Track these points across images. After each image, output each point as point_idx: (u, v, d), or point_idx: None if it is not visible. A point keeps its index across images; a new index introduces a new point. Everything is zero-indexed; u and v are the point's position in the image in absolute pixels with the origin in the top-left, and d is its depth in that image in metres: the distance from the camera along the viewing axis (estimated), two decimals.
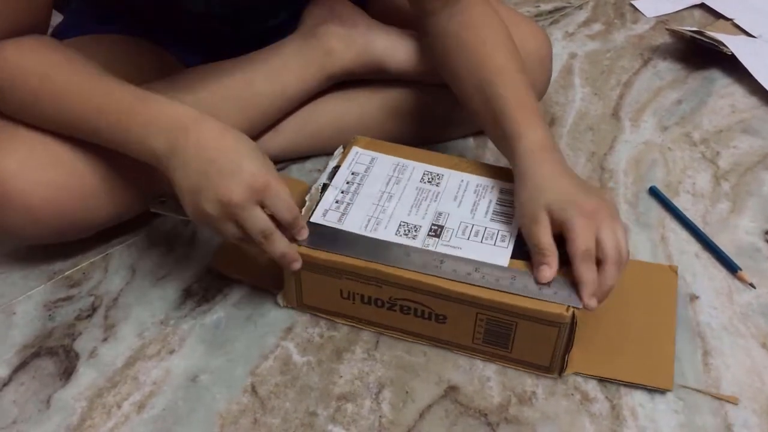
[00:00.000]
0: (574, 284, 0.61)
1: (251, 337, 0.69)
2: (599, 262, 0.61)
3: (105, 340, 0.69)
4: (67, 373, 0.67)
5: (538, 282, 0.61)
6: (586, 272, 0.60)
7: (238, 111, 0.79)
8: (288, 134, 0.85)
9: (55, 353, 0.68)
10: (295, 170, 0.87)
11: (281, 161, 0.87)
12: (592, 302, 0.60)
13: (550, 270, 0.61)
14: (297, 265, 0.65)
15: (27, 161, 0.66)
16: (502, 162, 0.72)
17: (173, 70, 0.81)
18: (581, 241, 0.60)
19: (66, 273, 0.75)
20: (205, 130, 0.62)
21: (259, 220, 0.61)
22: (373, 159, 0.75)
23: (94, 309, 0.72)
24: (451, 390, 0.65)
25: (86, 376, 0.66)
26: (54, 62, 0.66)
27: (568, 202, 0.61)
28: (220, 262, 0.75)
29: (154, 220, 0.80)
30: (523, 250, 0.65)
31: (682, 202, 0.84)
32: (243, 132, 0.81)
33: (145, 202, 0.70)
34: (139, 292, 0.73)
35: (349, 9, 0.85)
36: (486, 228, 0.67)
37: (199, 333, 0.70)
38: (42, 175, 0.67)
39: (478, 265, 0.63)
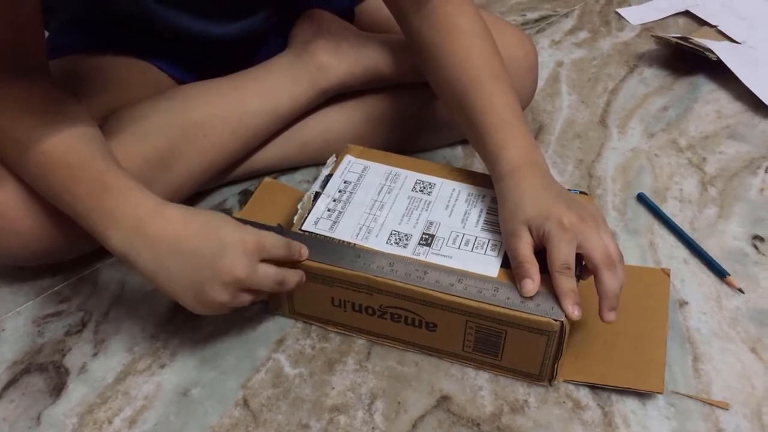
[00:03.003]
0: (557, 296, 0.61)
1: (242, 349, 0.69)
2: (592, 273, 0.61)
3: (95, 355, 0.69)
4: (58, 390, 0.66)
5: (522, 295, 0.62)
6: (565, 283, 0.60)
7: (230, 130, 0.78)
8: (277, 146, 0.85)
9: (45, 369, 0.68)
10: (285, 181, 0.87)
11: (271, 173, 0.87)
12: (576, 312, 0.60)
13: (532, 283, 0.61)
14: (303, 278, 0.66)
15: (15, 192, 0.67)
16: None
17: (165, 89, 0.81)
18: (558, 254, 0.60)
19: (55, 288, 0.75)
20: (168, 219, 0.60)
21: (269, 275, 0.62)
22: (365, 168, 0.75)
23: (83, 324, 0.72)
24: (444, 400, 0.65)
25: (77, 392, 0.66)
26: (29, 122, 0.64)
27: (546, 216, 0.61)
28: None
29: None
30: None
31: (669, 208, 0.84)
32: (235, 152, 0.80)
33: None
34: (129, 307, 0.73)
35: (337, 23, 0.85)
36: (477, 237, 0.67)
37: (190, 347, 0.70)
38: (30, 204, 0.67)
39: (462, 275, 0.64)
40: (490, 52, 0.72)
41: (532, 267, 0.62)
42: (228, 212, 0.83)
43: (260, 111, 0.80)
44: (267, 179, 0.84)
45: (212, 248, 0.59)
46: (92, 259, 0.77)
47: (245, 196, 0.85)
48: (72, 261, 0.76)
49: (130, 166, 0.69)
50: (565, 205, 0.62)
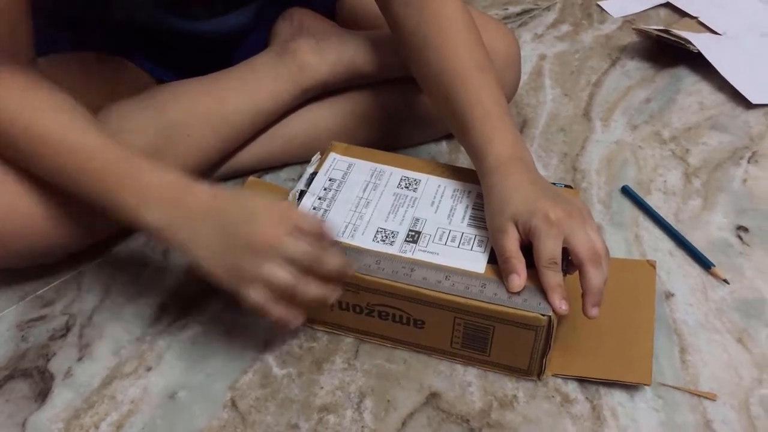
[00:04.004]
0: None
1: (229, 351, 0.69)
2: (577, 267, 0.61)
3: (80, 359, 0.68)
4: (43, 395, 0.65)
5: (509, 291, 0.62)
6: (551, 278, 0.60)
7: (211, 129, 0.78)
8: (261, 144, 0.84)
9: (29, 375, 0.67)
10: (270, 180, 0.87)
11: (255, 171, 0.86)
12: (563, 306, 0.60)
13: (519, 278, 0.61)
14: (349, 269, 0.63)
15: (20, 192, 0.66)
16: None
17: (146, 87, 0.80)
18: (545, 249, 0.60)
19: (38, 292, 0.74)
20: (199, 192, 0.61)
21: (299, 245, 0.59)
22: (350, 165, 0.75)
23: (68, 328, 0.71)
24: (433, 397, 0.65)
25: (62, 398, 0.65)
26: (39, 108, 0.63)
27: (533, 212, 0.61)
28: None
29: (126, 237, 0.79)
30: None
31: (654, 200, 0.84)
32: (218, 150, 0.79)
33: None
34: (114, 310, 0.72)
35: (318, 21, 0.85)
36: (463, 233, 0.67)
37: (176, 349, 0.69)
38: (12, 207, 0.66)
39: (449, 272, 0.63)
40: (476, 43, 0.71)
41: (519, 262, 0.62)
42: None
43: (242, 110, 0.79)
44: (252, 178, 0.83)
45: (243, 214, 0.59)
46: (75, 262, 0.76)
47: None
48: (54, 264, 0.75)
49: None
50: (552, 200, 0.62)
